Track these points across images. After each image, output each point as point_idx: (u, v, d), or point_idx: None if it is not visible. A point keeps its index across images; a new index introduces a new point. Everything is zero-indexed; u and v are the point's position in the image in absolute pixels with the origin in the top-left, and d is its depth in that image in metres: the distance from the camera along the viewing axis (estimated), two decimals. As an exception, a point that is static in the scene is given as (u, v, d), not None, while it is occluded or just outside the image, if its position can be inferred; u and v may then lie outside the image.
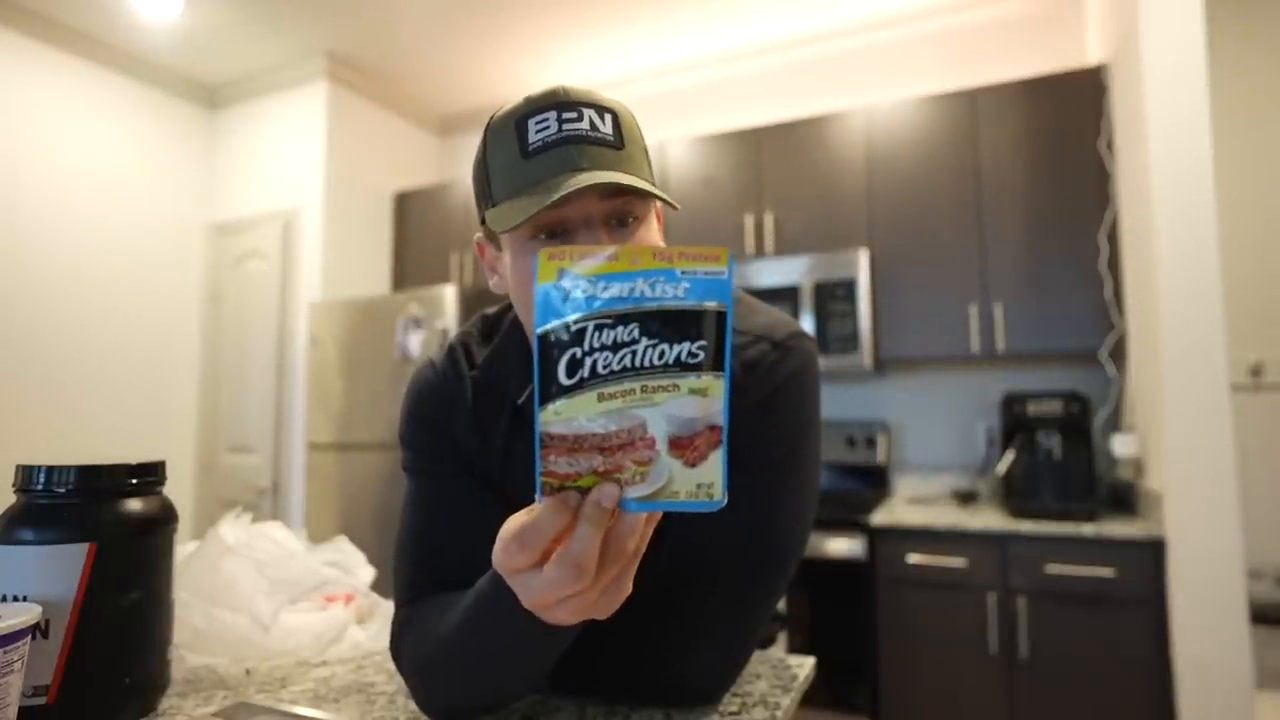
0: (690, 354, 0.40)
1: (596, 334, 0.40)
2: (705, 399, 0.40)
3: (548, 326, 0.40)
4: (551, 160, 0.59)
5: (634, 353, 0.40)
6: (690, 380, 0.40)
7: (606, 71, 3.48)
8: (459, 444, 0.73)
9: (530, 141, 0.60)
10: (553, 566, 0.43)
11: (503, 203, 0.61)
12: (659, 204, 0.70)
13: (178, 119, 3.56)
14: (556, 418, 0.40)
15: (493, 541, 0.56)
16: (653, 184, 0.63)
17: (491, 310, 0.79)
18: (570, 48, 3.26)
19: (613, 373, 0.40)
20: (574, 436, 0.40)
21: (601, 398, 0.40)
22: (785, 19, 3.06)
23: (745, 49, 3.29)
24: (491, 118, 0.64)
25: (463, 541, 0.68)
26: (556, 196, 0.55)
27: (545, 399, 0.40)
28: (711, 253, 0.40)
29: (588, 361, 0.40)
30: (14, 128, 2.93)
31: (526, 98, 0.62)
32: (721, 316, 0.40)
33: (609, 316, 0.40)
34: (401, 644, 0.67)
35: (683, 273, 0.40)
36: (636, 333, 0.40)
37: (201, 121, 3.67)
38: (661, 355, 0.40)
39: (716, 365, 0.41)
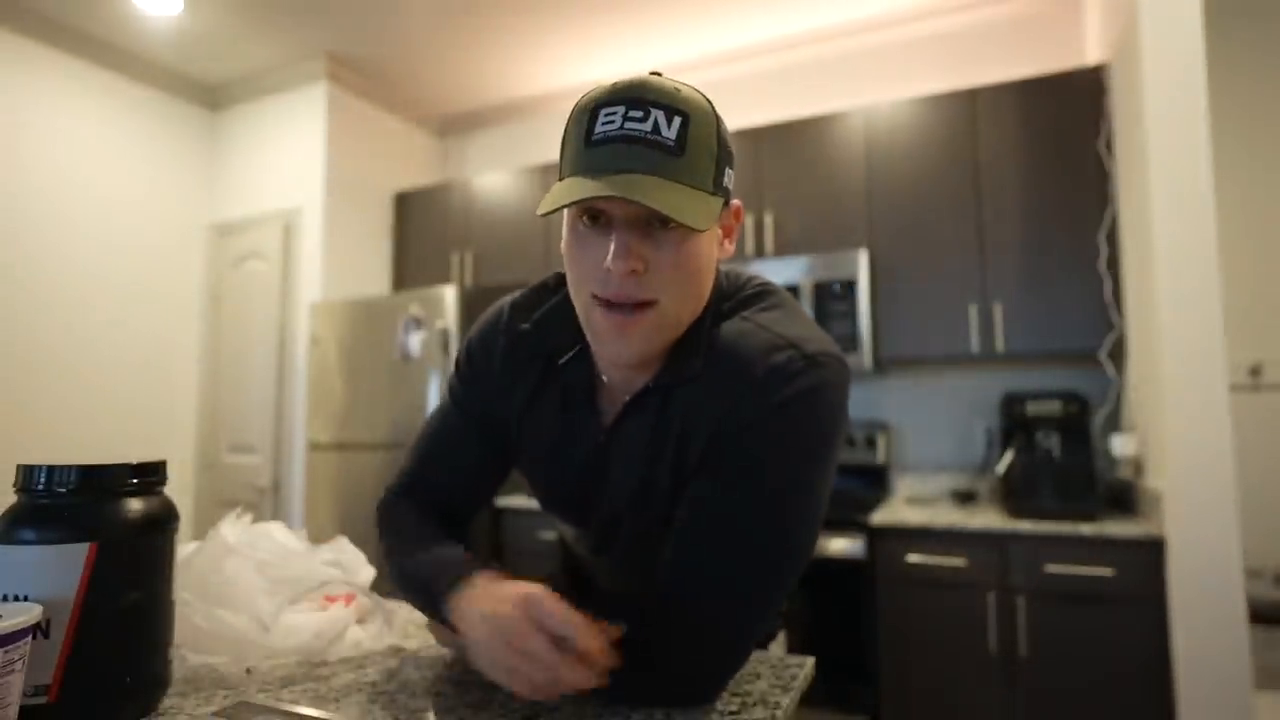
0: None
1: None
2: None
3: None
4: (605, 154, 0.61)
5: None
6: None
7: (606, 71, 3.47)
8: (494, 385, 0.83)
9: (595, 131, 0.62)
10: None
11: (562, 181, 0.64)
12: (735, 204, 0.73)
13: (178, 120, 3.56)
14: None
15: (480, 476, 0.87)
16: (715, 190, 0.66)
17: None
18: (570, 48, 3.26)
19: None
20: None
21: None
22: (785, 19, 3.06)
23: (745, 49, 3.29)
24: (584, 95, 0.66)
25: (458, 473, 0.86)
26: (569, 201, 0.60)
27: None
28: None
29: None
30: (14, 128, 2.93)
31: (613, 84, 0.64)
32: None
33: None
34: (382, 519, 0.86)
35: None
36: None
37: (202, 122, 3.67)
38: None
39: None
